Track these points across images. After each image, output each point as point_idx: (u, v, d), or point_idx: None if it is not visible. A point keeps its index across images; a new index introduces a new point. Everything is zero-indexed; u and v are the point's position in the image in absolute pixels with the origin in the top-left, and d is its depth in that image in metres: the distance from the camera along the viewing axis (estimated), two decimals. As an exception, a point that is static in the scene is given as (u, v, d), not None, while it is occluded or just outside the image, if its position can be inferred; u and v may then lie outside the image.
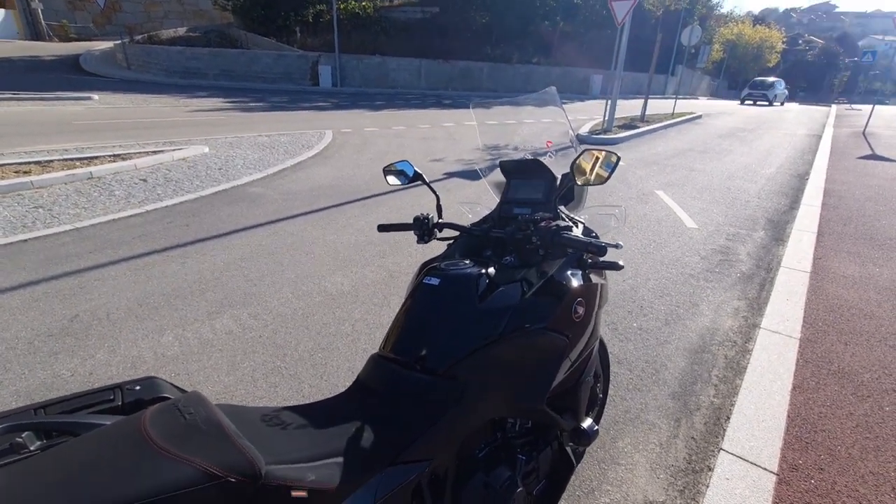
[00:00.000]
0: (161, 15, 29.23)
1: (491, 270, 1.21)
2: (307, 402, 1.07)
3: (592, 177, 1.25)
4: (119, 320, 2.65)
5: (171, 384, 0.97)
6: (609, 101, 10.45)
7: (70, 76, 16.50)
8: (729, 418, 2.05)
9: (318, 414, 1.00)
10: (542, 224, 1.20)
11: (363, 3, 21.06)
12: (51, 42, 25.69)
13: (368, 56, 19.55)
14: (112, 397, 0.90)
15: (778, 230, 4.73)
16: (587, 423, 1.45)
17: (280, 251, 3.67)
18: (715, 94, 42.61)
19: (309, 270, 3.36)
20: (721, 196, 5.93)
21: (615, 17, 9.51)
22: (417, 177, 1.53)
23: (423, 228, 1.46)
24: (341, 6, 19.27)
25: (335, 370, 2.32)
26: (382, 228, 1.55)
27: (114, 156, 5.96)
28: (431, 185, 1.51)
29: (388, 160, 7.19)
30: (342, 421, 0.98)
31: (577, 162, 1.24)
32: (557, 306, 1.18)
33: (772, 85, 26.14)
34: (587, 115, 14.31)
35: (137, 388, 0.93)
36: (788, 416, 2.05)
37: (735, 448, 1.83)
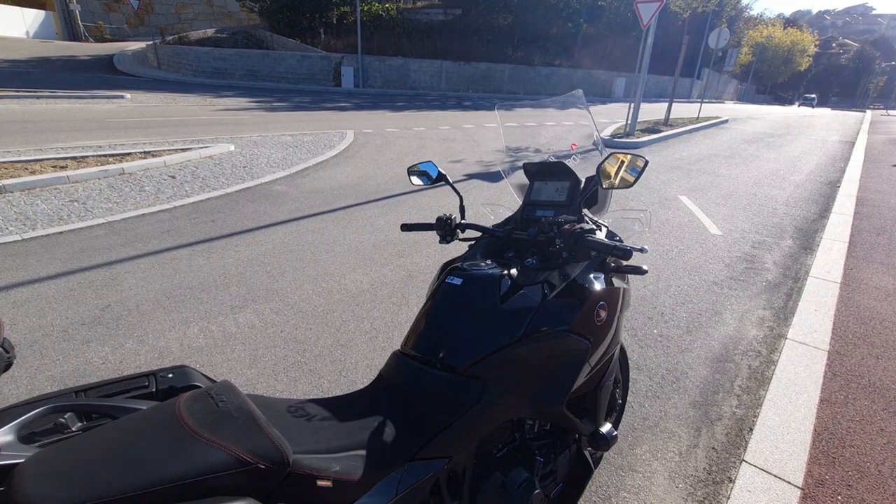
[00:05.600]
0: (191, 16, 30.04)
1: (513, 272, 1.21)
2: (328, 395, 1.09)
3: (617, 181, 1.24)
4: (148, 311, 2.74)
5: (201, 373, 1.01)
6: (632, 105, 10.31)
7: (104, 75, 17.09)
8: (752, 430, 2.00)
9: (341, 407, 1.02)
10: (567, 226, 1.20)
11: (386, 5, 21.25)
12: (87, 42, 26.64)
13: (390, 57, 19.72)
14: (146, 384, 0.94)
15: (807, 239, 4.59)
16: (606, 427, 1.44)
17: (301, 248, 3.73)
18: (742, 98, 41.60)
19: (329, 268, 3.41)
20: (747, 203, 5.79)
21: (641, 19, 9.38)
22: (441, 177, 1.55)
23: (446, 229, 1.48)
24: (365, 8, 19.48)
25: (353, 367, 2.35)
26: (406, 228, 1.57)
27: (144, 153, 6.15)
28: (455, 186, 1.52)
29: (408, 161, 7.22)
30: (364, 415, 1.00)
31: (603, 165, 1.24)
32: (580, 309, 1.18)
33: (813, 98, 44.01)
34: (609, 118, 14.14)
35: (170, 375, 0.97)
36: (815, 430, 1.99)
37: (758, 460, 1.79)
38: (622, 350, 1.87)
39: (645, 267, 1.24)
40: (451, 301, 1.19)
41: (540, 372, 1.15)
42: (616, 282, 1.38)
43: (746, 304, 3.22)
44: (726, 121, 15.54)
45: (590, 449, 1.48)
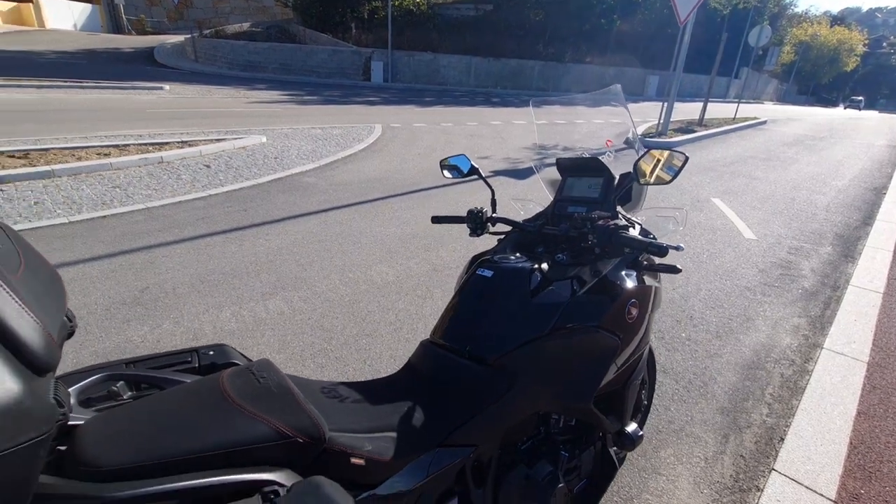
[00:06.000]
0: (227, 10, 30.78)
1: (544, 266, 1.22)
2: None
3: (653, 178, 1.22)
4: (183, 294, 2.85)
5: (239, 352, 1.05)
6: (665, 103, 10.04)
7: (145, 67, 17.73)
8: (783, 439, 1.95)
9: (371, 391, 1.05)
10: (600, 222, 1.19)
11: (417, 0, 21.28)
12: (129, 35, 27.66)
13: (420, 53, 19.75)
14: (189, 359, 0.98)
15: (848, 246, 4.40)
16: (632, 427, 1.43)
17: (329, 239, 3.80)
18: (782, 98, 39.94)
19: (356, 259, 3.47)
20: (784, 207, 5.58)
21: (678, 15, 9.11)
22: (473, 171, 1.56)
23: (477, 222, 1.48)
24: (396, 3, 19.55)
25: (378, 356, 2.39)
26: (436, 220, 1.59)
27: (182, 142, 6.37)
28: (487, 179, 1.53)
29: (435, 156, 7.22)
30: (394, 400, 1.03)
31: (640, 162, 1.22)
32: (610, 306, 1.17)
33: (859, 100, 43.09)
34: (640, 117, 13.81)
35: (211, 352, 1.01)
36: (851, 443, 1.92)
37: (788, 470, 1.74)
38: (650, 351, 1.85)
39: (679, 266, 1.22)
40: (481, 292, 1.20)
41: (568, 367, 1.15)
42: (648, 280, 1.36)
43: (780, 311, 3.11)
44: (764, 122, 14.97)
45: (615, 448, 1.48)
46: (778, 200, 5.85)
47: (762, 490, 1.69)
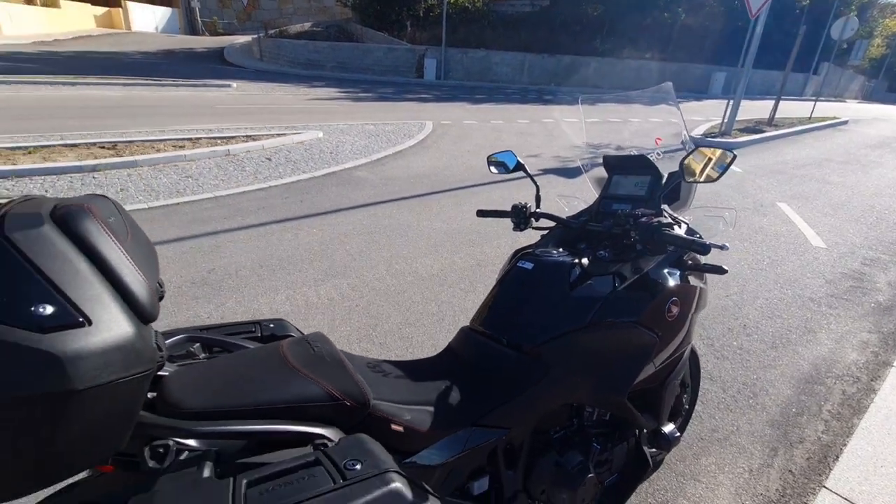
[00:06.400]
0: (291, 11, 32.20)
1: (584, 261, 1.24)
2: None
3: (703, 177, 1.21)
4: (244, 277, 3.08)
5: (294, 326, 1.16)
6: (730, 101, 9.47)
7: (215, 66, 18.95)
8: (838, 457, 1.84)
9: (412, 369, 1.12)
10: (644, 219, 1.19)
11: (473, -3, 21.28)
12: (203, 36, 29.64)
13: (473, 50, 19.75)
14: (253, 329, 1.10)
15: (935, 260, 4.00)
16: (669, 428, 1.42)
17: (377, 231, 3.95)
18: (869, 96, 36.34)
19: (402, 252, 3.59)
20: (861, 214, 5.14)
21: (749, 7, 8.56)
22: (519, 167, 1.60)
23: (521, 216, 1.52)
24: (451, 0, 19.65)
25: (420, 344, 2.49)
26: (481, 214, 1.65)
27: (246, 136, 6.80)
28: (533, 176, 1.56)
29: (484, 153, 7.20)
30: (434, 379, 1.10)
31: (688, 160, 1.21)
32: (650, 303, 1.18)
33: None
34: (703, 115, 13.10)
35: (271, 325, 1.13)
36: (917, 468, 1.78)
37: (841, 488, 1.65)
38: (694, 354, 1.81)
39: (725, 267, 1.20)
40: (521, 284, 1.24)
41: (603, 360, 1.17)
42: (693, 280, 1.35)
43: (848, 325, 2.90)
44: (845, 122, 13.74)
45: (651, 448, 1.47)
46: (854, 207, 5.39)
47: (810, 507, 1.61)
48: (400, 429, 0.90)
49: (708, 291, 1.45)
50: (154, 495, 0.59)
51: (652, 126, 1.69)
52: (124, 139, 6.14)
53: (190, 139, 6.38)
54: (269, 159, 6.00)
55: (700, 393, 2.24)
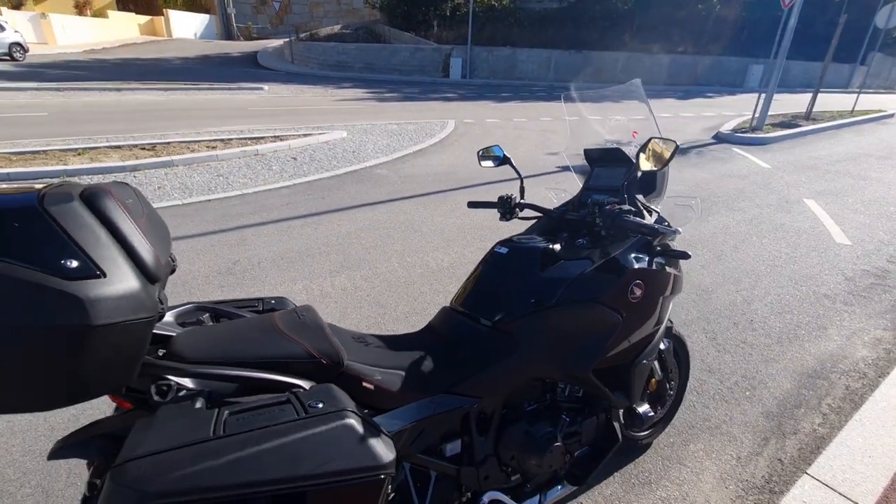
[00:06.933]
0: (322, 14, 32.98)
1: (556, 246, 1.34)
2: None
3: (651, 164, 1.28)
4: (266, 268, 3.29)
5: (293, 303, 1.31)
6: (762, 95, 9.16)
7: (249, 70, 19.69)
8: (827, 447, 1.85)
9: (392, 341, 1.25)
10: (607, 207, 1.28)
11: (499, -5, 21.22)
12: (238, 41, 30.77)
13: (498, 48, 19.73)
14: (256, 304, 1.26)
15: (970, 258, 3.82)
16: (643, 408, 1.50)
17: (393, 226, 4.11)
18: (926, 87, 33.95)
19: (415, 246, 3.73)
20: (895, 211, 4.92)
21: (782, -3, 8.26)
22: (505, 160, 1.70)
23: (506, 207, 1.63)
24: (478, -1, 19.69)
25: (425, 332, 2.61)
26: (472, 205, 1.76)
27: (274, 137, 7.12)
28: (516, 167, 1.66)
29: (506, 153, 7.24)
30: (410, 349, 1.22)
31: (642, 151, 1.28)
32: (614, 284, 1.27)
33: None
34: (736, 110, 12.68)
35: (272, 301, 1.28)
36: (910, 461, 1.78)
37: (823, 475, 1.67)
38: (680, 342, 1.87)
39: (689, 252, 1.27)
40: (497, 267, 1.35)
41: (570, 336, 1.26)
42: (667, 267, 1.42)
43: (862, 322, 2.85)
44: (891, 115, 12.98)
45: (625, 426, 1.55)
46: (889, 203, 5.17)
47: (787, 492, 1.65)
48: (371, 387, 1.03)
49: (682, 278, 1.51)
50: (155, 419, 0.75)
51: (635, 123, 1.75)
52: (162, 141, 6.55)
53: (222, 140, 6.74)
54: (295, 159, 6.27)
55: (695, 384, 2.28)
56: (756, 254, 3.76)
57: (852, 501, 1.55)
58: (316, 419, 0.76)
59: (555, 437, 1.30)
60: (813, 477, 1.65)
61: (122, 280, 0.68)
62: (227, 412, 0.77)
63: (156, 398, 0.81)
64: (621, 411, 1.53)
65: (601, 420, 1.44)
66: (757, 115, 9.15)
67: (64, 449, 0.83)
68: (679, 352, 1.88)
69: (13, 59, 16.85)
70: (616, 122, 1.64)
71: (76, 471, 1.71)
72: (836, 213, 4.80)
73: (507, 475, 1.32)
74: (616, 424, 1.45)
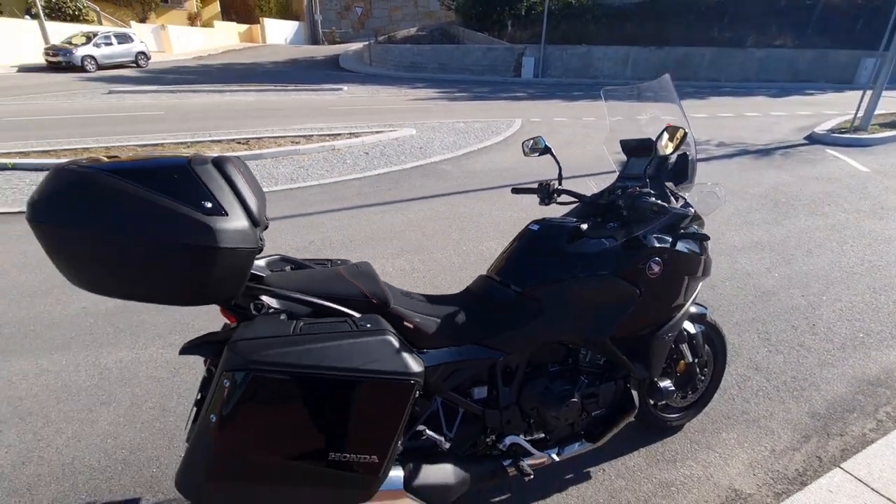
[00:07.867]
0: (400, 18, 34.24)
1: (584, 226, 1.49)
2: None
3: (667, 149, 1.35)
4: (336, 248, 3.69)
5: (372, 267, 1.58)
6: (866, 92, 8.23)
7: (331, 72, 21.05)
8: (870, 445, 1.80)
9: (434, 299, 1.48)
10: (630, 190, 1.41)
11: (577, -8, 20.76)
12: (323, 45, 32.87)
13: (572, 46, 19.32)
14: (326, 263, 1.54)
15: None
16: (664, 382, 1.60)
17: (452, 218, 4.36)
18: None
19: (471, 235, 3.95)
20: None
21: (899, -18, 7.38)
22: (547, 150, 1.87)
23: (545, 192, 1.80)
24: (554, -3, 19.42)
25: (473, 312, 2.82)
26: (515, 191, 1.94)
27: (350, 133, 7.68)
28: (556, 157, 1.82)
29: (569, 150, 7.27)
30: (447, 305, 1.44)
31: (659, 138, 1.37)
32: (632, 260, 1.40)
33: None
34: (838, 109, 11.45)
35: (339, 261, 1.56)
36: (969, 473, 1.69)
37: (858, 470, 1.65)
38: (717, 332, 1.92)
39: (707, 234, 1.37)
40: (528, 241, 1.54)
41: (589, 305, 1.42)
42: (693, 248, 1.51)
43: (947, 335, 2.62)
44: None
45: (647, 398, 1.66)
46: None
47: (817, 480, 1.65)
48: (410, 326, 1.26)
49: (712, 262, 1.59)
50: (254, 321, 1.04)
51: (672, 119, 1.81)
52: (254, 136, 7.35)
53: (304, 136, 7.41)
54: (367, 153, 6.75)
55: (737, 379, 2.28)
56: (832, 260, 3.53)
57: (886, 497, 1.53)
58: (364, 332, 1.01)
59: (572, 395, 1.46)
60: (845, 470, 1.64)
61: (237, 219, 0.97)
62: (301, 323, 1.04)
63: (253, 312, 1.10)
64: (642, 382, 1.64)
65: (619, 387, 1.56)
66: (860, 113, 8.25)
67: (190, 348, 1.15)
68: (715, 340, 1.92)
69: (138, 65, 19.47)
70: (651, 116, 1.74)
71: (185, 394, 2.14)
72: (942, 221, 4.31)
73: (528, 425, 1.50)
74: (634, 393, 1.57)
